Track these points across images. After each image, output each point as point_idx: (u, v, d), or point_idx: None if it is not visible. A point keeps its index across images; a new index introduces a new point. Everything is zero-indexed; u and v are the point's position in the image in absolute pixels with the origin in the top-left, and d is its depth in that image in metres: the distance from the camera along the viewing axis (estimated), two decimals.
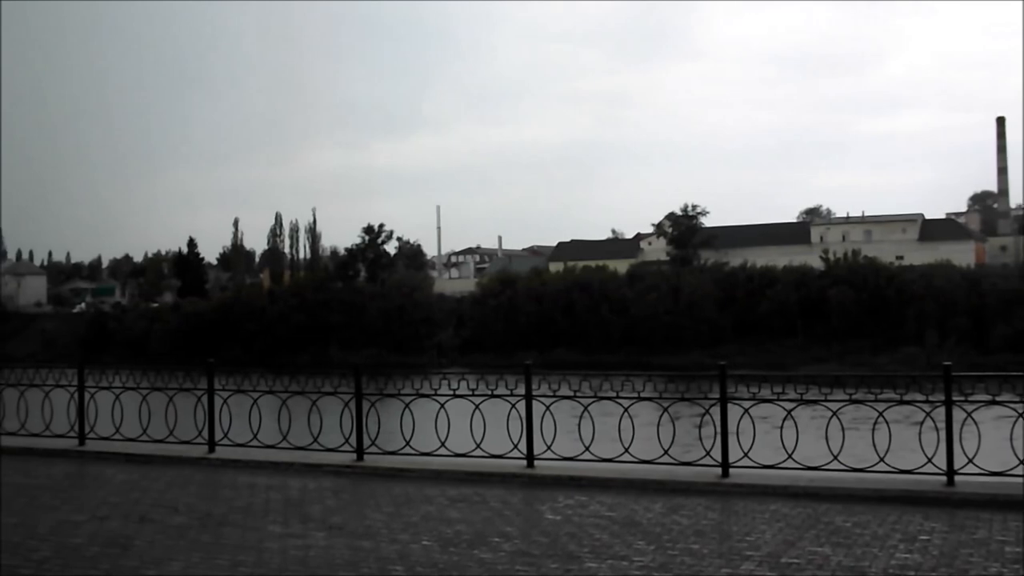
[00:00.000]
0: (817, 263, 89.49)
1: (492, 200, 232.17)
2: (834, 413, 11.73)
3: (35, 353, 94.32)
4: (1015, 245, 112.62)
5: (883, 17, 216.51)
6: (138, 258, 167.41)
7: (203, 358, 17.20)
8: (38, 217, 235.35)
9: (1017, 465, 10.80)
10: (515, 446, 12.80)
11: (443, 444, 13.18)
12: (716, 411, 11.94)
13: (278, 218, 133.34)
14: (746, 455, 11.72)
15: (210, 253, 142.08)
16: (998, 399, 11.16)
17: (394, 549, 8.92)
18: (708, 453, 11.88)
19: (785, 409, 11.89)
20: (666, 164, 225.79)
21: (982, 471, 10.95)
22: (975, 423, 11.04)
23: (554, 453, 12.74)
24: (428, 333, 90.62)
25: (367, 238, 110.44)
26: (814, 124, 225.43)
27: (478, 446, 13.02)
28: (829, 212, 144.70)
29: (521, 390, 12.82)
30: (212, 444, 14.46)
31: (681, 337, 79.11)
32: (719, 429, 11.85)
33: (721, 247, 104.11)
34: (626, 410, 12.51)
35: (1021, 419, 10.83)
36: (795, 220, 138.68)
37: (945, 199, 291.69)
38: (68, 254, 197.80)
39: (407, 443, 13.35)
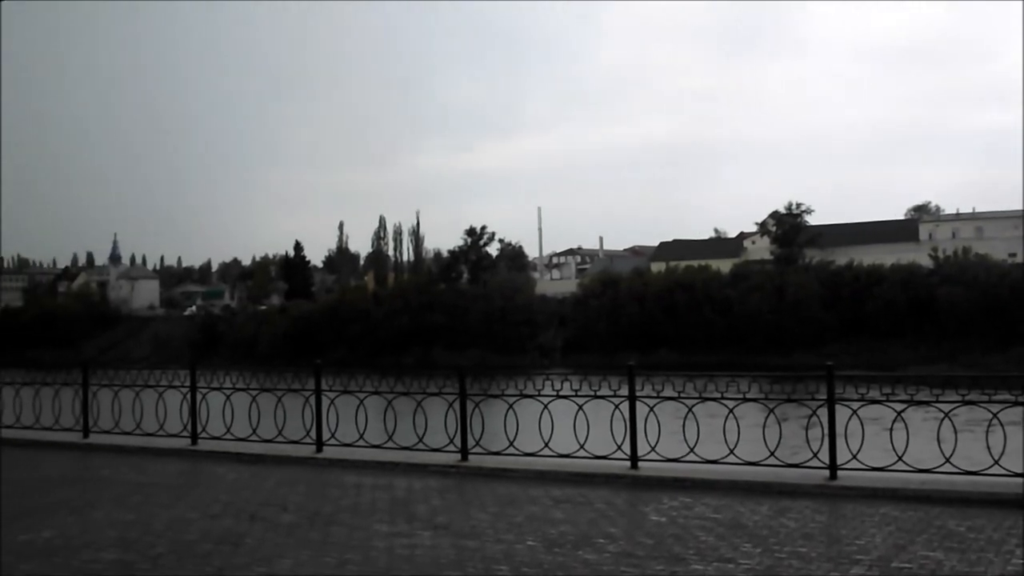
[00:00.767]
0: (926, 261, 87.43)
1: (593, 201, 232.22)
2: (946, 415, 11.35)
3: (148, 355, 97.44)
4: None
5: (991, 11, 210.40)
6: (246, 262, 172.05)
7: (310, 359, 17.53)
8: (151, 223, 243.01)
9: None
10: (619, 447, 12.73)
11: (547, 445, 13.19)
12: (823, 412, 11.71)
13: (382, 221, 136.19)
14: (855, 457, 11.49)
15: (316, 256, 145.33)
16: None
17: (499, 549, 8.96)
18: (815, 455, 11.66)
19: (895, 410, 11.61)
20: (769, 162, 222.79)
21: None
22: None
23: (658, 454, 12.63)
24: (530, 334, 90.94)
25: (469, 240, 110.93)
26: (921, 120, 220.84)
27: (582, 447, 12.99)
28: (938, 209, 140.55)
29: (624, 391, 12.75)
30: (320, 444, 14.69)
31: (784, 337, 77.97)
32: (827, 430, 11.62)
33: (826, 246, 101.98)
34: (731, 411, 12.33)
35: None
36: (902, 217, 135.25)
37: None
38: (179, 258, 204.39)
39: (511, 443, 13.37)
